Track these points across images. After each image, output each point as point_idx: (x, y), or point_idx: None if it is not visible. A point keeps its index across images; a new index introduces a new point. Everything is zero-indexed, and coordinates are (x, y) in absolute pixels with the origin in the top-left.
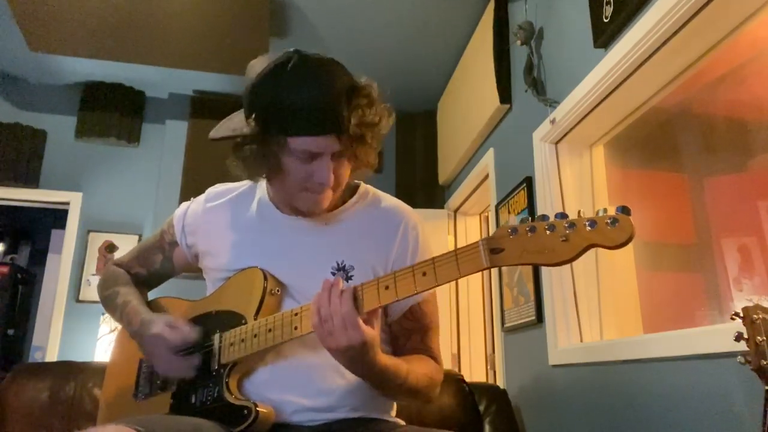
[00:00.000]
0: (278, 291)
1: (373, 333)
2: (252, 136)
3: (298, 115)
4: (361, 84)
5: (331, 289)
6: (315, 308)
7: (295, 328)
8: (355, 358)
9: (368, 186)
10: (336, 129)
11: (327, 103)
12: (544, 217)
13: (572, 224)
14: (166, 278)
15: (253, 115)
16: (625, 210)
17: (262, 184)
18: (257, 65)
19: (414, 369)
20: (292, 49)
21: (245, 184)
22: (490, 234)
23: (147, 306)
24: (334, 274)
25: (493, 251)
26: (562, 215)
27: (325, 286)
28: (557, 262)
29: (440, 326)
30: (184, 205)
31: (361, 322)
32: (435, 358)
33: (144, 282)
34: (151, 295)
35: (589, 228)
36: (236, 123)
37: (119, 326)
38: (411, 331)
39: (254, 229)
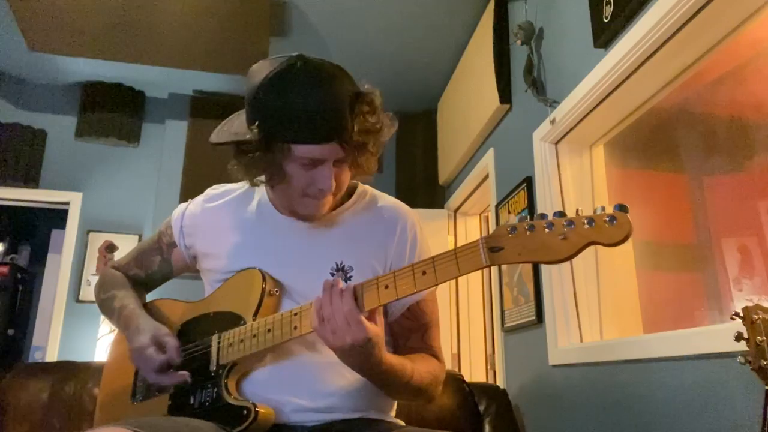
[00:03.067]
0: (277, 291)
1: (377, 330)
2: (255, 143)
3: (302, 123)
4: (364, 91)
5: (331, 289)
6: (316, 309)
7: (295, 328)
8: (361, 356)
9: (366, 186)
10: (339, 137)
11: (331, 111)
12: (543, 216)
13: (571, 222)
14: (165, 280)
15: (257, 122)
16: (622, 208)
17: (262, 185)
18: (259, 70)
19: (418, 367)
20: (295, 54)
21: (244, 185)
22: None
23: (143, 309)
24: (333, 274)
25: (493, 250)
26: (560, 214)
27: (325, 287)
28: (556, 259)
29: (440, 326)
30: (182, 206)
31: (363, 318)
32: (436, 355)
33: (142, 284)
34: (150, 296)
35: (587, 226)
36: (237, 127)
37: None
38: (411, 330)
39: (253, 230)
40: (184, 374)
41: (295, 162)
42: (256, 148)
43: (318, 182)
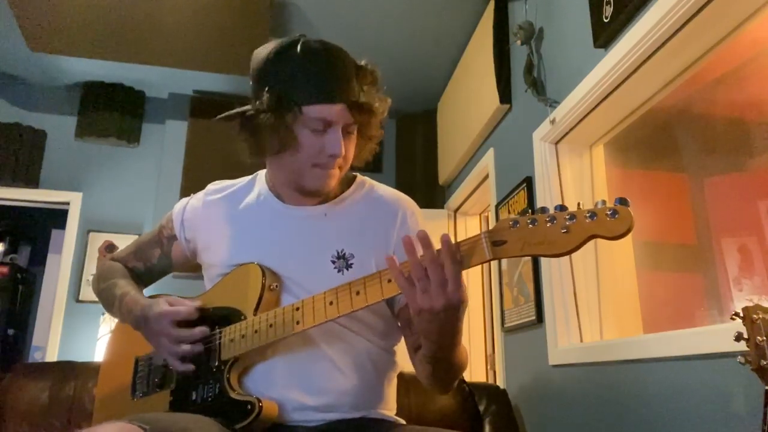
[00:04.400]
0: (276, 286)
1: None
2: (267, 108)
3: (312, 85)
4: (365, 63)
5: (425, 251)
6: (401, 271)
7: (297, 323)
8: (450, 319)
9: (365, 177)
10: (347, 98)
11: (339, 75)
12: (544, 210)
13: (573, 216)
14: (163, 274)
15: (267, 89)
16: (623, 202)
17: (262, 177)
18: (263, 48)
19: None
20: (297, 34)
21: (245, 179)
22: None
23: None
24: (333, 262)
25: (495, 243)
26: (562, 207)
27: (406, 242)
28: (559, 253)
29: None
30: (184, 200)
31: (461, 280)
32: None
33: (140, 277)
34: (147, 292)
35: (589, 220)
36: (243, 108)
37: (114, 325)
38: None
39: (253, 221)
40: (192, 368)
41: (306, 127)
42: (267, 113)
43: (328, 148)
